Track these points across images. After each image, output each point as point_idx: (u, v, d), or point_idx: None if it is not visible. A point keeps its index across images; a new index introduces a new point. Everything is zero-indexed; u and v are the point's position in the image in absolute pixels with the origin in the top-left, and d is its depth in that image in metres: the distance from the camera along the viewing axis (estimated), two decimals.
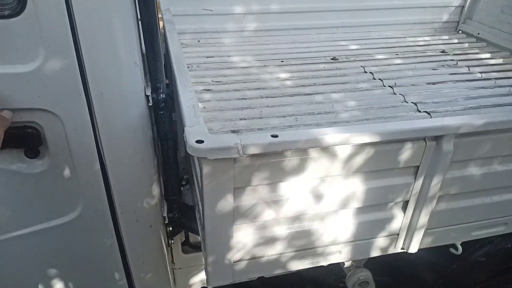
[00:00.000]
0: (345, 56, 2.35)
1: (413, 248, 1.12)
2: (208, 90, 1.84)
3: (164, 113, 0.95)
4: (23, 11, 0.72)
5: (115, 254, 1.03)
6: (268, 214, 0.90)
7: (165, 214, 1.08)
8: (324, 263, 1.09)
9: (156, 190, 1.02)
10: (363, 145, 0.87)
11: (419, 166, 0.95)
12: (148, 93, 0.90)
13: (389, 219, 1.02)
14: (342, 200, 0.95)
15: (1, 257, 0.95)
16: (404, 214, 1.02)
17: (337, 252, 1.04)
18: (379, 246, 1.09)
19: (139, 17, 0.86)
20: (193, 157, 1.00)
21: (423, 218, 1.05)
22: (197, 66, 2.14)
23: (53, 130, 0.83)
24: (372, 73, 2.12)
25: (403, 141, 0.91)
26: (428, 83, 1.97)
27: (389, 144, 0.90)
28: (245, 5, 2.44)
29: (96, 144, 0.87)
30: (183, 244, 1.44)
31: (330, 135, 0.79)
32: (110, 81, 0.82)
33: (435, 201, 1.04)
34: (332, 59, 2.32)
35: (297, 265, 1.01)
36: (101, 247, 1.01)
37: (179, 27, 2.43)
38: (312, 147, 0.82)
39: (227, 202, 0.83)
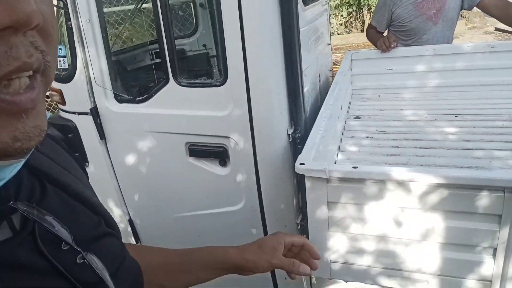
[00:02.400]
0: None
1: None
2: (370, 137, 2.14)
3: (300, 147, 1.39)
4: (225, 83, 1.33)
5: None
6: (355, 228, 1.17)
7: (298, 221, 1.49)
8: None
9: (292, 201, 1.45)
10: (437, 186, 1.04)
11: (501, 215, 1.01)
12: (289, 132, 1.37)
13: (478, 263, 1.07)
14: (422, 233, 1.11)
15: (194, 225, 1.60)
16: (494, 261, 1.06)
17: (425, 281, 1.17)
18: None
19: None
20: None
21: None
22: (369, 117, 2.46)
23: (233, 150, 1.41)
24: None
25: (479, 189, 1.01)
26: None
27: (465, 189, 1.02)
28: (428, 64, 2.60)
29: (255, 162, 1.40)
30: None
31: (397, 173, 1.02)
32: (265, 123, 1.34)
33: None
34: None
35: (386, 282, 1.20)
36: (249, 235, 1.51)
37: (361, 84, 2.83)
38: (386, 180, 1.06)
39: (322, 212, 1.17)
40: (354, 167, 1.10)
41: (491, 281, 1.10)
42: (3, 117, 0.30)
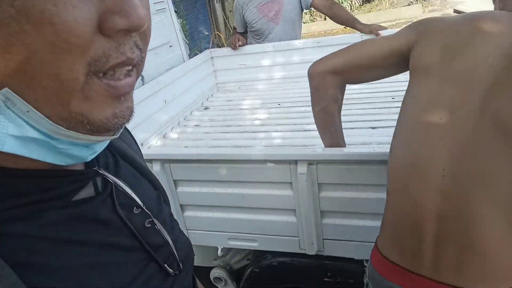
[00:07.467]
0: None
1: None
2: (197, 125, 2.50)
3: None
4: None
5: None
6: None
7: None
8: None
9: None
10: None
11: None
12: None
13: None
14: None
15: None
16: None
17: None
18: None
19: None
20: None
21: None
22: (214, 108, 2.82)
23: None
24: None
25: None
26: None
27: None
28: (272, 59, 2.97)
29: None
30: None
31: None
32: None
33: None
34: None
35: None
36: None
37: (223, 78, 3.19)
38: None
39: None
40: None
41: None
42: (108, 98, 0.35)
